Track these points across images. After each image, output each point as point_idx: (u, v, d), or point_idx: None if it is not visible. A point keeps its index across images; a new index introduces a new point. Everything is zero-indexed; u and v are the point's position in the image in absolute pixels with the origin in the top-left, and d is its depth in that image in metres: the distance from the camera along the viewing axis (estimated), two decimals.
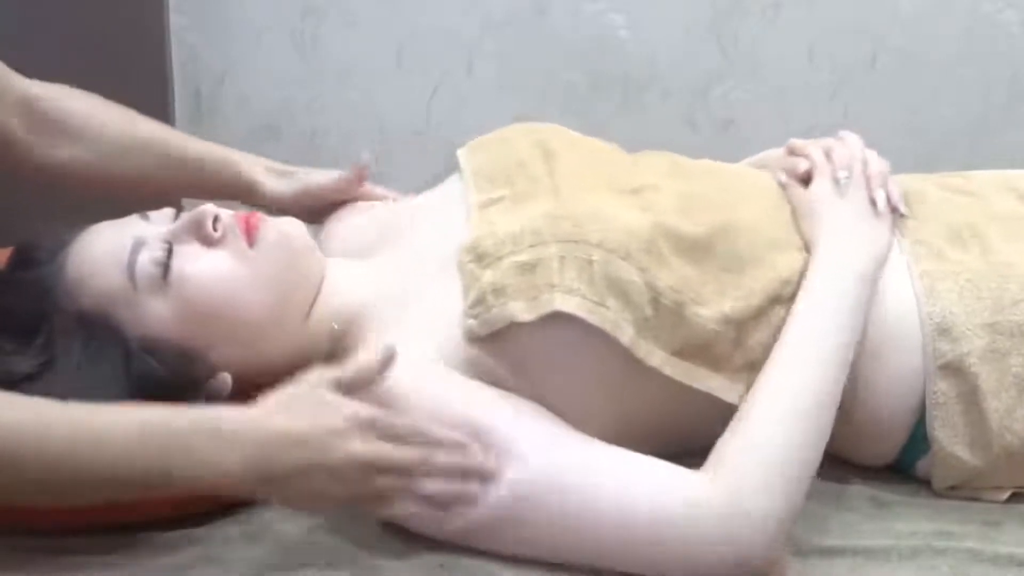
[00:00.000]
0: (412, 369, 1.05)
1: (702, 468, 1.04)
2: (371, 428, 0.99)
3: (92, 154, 1.40)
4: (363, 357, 1.03)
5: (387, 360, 1.03)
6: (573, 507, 1.02)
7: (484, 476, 1.02)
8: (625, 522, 1.01)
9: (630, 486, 1.02)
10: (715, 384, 1.10)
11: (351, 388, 1.01)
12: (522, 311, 1.06)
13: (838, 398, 1.08)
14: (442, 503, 1.02)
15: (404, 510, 1.02)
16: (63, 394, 1.04)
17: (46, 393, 1.04)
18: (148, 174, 1.43)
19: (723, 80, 2.33)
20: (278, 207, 1.44)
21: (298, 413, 0.98)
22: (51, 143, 1.38)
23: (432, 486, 1.01)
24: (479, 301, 1.08)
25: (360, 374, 1.02)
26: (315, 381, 1.01)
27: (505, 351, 1.08)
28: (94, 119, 1.41)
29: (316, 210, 1.45)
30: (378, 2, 2.35)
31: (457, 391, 1.06)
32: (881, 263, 1.16)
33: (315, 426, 0.97)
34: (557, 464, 1.03)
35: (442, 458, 1.01)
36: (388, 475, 0.99)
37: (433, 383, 1.06)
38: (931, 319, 1.13)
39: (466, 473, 1.01)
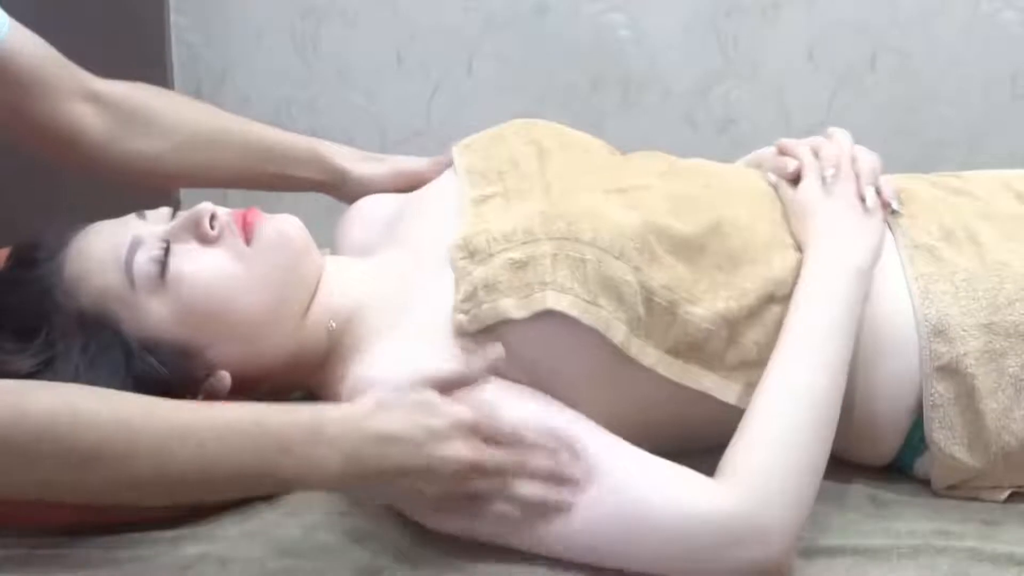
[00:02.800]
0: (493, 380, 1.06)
1: (716, 475, 1.04)
2: (472, 431, 0.99)
3: (171, 146, 1.38)
4: (467, 359, 1.04)
5: (492, 364, 1.04)
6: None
7: (574, 483, 1.02)
8: (644, 527, 1.01)
9: (651, 491, 1.02)
10: (709, 383, 1.10)
11: (450, 389, 1.02)
12: (514, 308, 1.06)
13: (841, 396, 1.08)
14: (534, 509, 1.02)
15: (500, 514, 1.02)
16: None
17: None
18: (231, 166, 1.42)
19: (723, 80, 2.33)
20: (371, 192, 1.42)
21: (400, 413, 0.98)
22: (129, 136, 1.36)
23: (526, 490, 1.01)
24: (470, 296, 1.08)
25: (460, 377, 1.03)
26: (415, 380, 1.02)
27: None
28: (173, 112, 1.40)
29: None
30: (378, 2, 2.36)
31: (539, 401, 1.06)
32: (875, 259, 1.16)
33: (418, 426, 0.98)
34: (624, 475, 1.03)
35: (537, 462, 1.01)
36: (486, 477, 1.00)
37: (516, 390, 1.06)
38: (927, 321, 1.13)
39: (558, 479, 1.02)
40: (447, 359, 1.07)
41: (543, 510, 1.02)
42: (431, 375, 1.02)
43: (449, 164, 1.33)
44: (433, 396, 1.00)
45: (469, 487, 1.00)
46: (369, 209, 1.37)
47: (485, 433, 1.00)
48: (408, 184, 1.41)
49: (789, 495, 1.02)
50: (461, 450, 0.98)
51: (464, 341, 1.08)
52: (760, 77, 2.32)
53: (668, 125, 2.34)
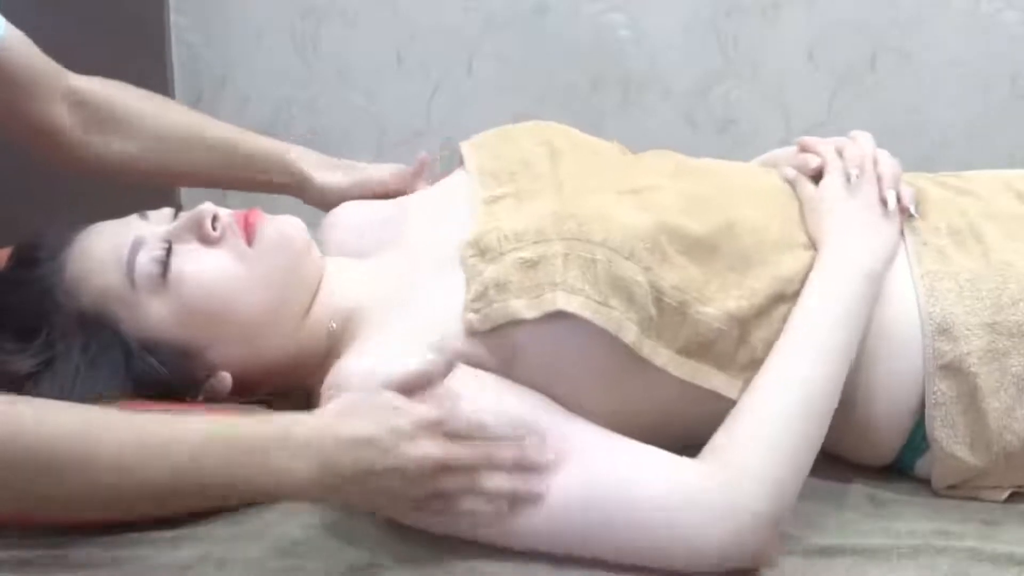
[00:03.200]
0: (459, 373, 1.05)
1: (699, 456, 1.04)
2: (437, 429, 0.99)
3: (142, 147, 1.40)
4: (426, 359, 1.04)
5: (449, 362, 1.03)
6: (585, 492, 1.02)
7: (544, 469, 1.02)
8: (624, 508, 1.01)
9: (632, 473, 1.02)
10: (719, 382, 1.10)
11: (412, 390, 1.02)
12: (524, 308, 1.06)
13: (838, 394, 1.08)
14: (506, 500, 1.02)
15: (470, 508, 1.01)
16: (64, 393, 1.04)
17: (48, 392, 1.04)
18: (199, 167, 1.44)
19: (723, 80, 2.33)
20: (330, 200, 1.44)
21: (364, 416, 0.99)
22: (102, 136, 1.38)
23: (496, 482, 1.01)
24: (481, 296, 1.09)
25: (421, 376, 1.03)
26: (376, 385, 1.02)
27: (505, 346, 1.08)
28: (143, 112, 1.41)
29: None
30: (378, 2, 2.36)
31: (502, 391, 1.06)
32: (888, 262, 1.16)
33: (383, 428, 0.98)
34: (597, 458, 1.03)
35: (505, 453, 1.01)
36: (455, 474, 1.00)
37: (477, 383, 1.06)
38: (931, 319, 1.13)
39: (527, 467, 1.02)
40: (411, 358, 1.07)
41: (514, 501, 1.01)
42: (392, 377, 1.02)
43: (416, 174, 1.36)
44: (395, 397, 1.00)
45: (439, 485, 1.00)
46: (351, 214, 1.37)
47: (449, 429, 1.00)
48: (371, 195, 1.43)
49: (768, 480, 1.01)
50: (428, 448, 0.98)
51: (472, 341, 1.08)
52: (760, 77, 2.32)
53: (668, 125, 2.34)
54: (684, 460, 1.03)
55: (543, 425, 1.04)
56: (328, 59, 2.40)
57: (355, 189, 1.45)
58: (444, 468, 0.99)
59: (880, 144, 1.26)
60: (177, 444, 0.94)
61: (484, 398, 1.04)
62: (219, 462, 0.94)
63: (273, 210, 1.20)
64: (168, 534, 1.11)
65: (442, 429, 0.99)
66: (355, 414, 0.99)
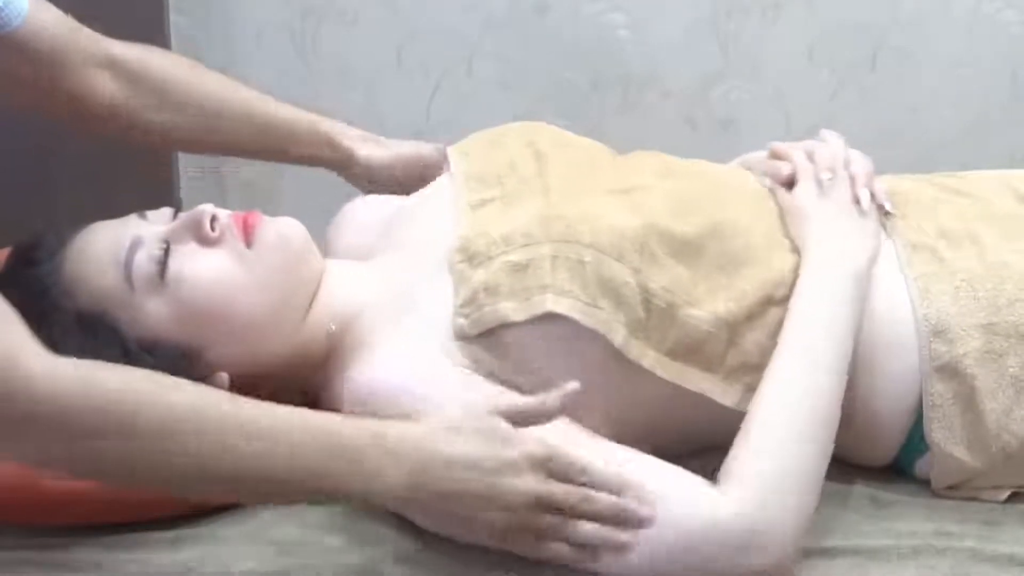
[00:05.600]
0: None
1: (717, 482, 1.03)
2: (543, 466, 0.98)
3: (181, 117, 1.39)
4: (543, 396, 1.02)
5: (568, 399, 1.01)
6: None
7: (641, 523, 1.00)
8: (647, 535, 1.00)
9: (664, 497, 1.01)
10: (707, 386, 1.10)
11: (524, 422, 1.00)
12: (514, 311, 1.06)
13: (841, 397, 1.09)
14: (595, 547, 1.00)
15: (556, 552, 1.00)
16: None
17: None
18: (241, 139, 1.43)
19: (723, 80, 2.33)
20: (376, 175, 1.44)
21: (473, 439, 0.97)
22: (143, 105, 1.37)
23: (587, 529, 1.00)
24: (470, 300, 1.09)
25: (537, 410, 1.01)
26: (488, 408, 1.00)
27: (497, 350, 1.08)
28: (181, 80, 1.40)
29: (403, 181, 1.44)
30: (378, 2, 2.35)
31: (592, 439, 1.05)
32: (872, 260, 1.16)
33: (490, 455, 0.97)
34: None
35: (604, 499, 1.00)
36: (549, 513, 0.99)
37: (575, 426, 1.05)
38: (927, 321, 1.13)
39: (624, 518, 1.00)
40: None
41: (601, 548, 1.00)
42: (506, 405, 1.01)
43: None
44: (507, 426, 0.99)
45: (531, 521, 0.99)
46: (362, 213, 1.38)
47: (556, 469, 0.99)
48: (410, 166, 1.43)
49: (791, 502, 1.02)
50: (530, 483, 0.97)
51: (465, 345, 1.08)
52: (760, 77, 2.32)
53: (668, 125, 2.33)
54: (705, 488, 1.02)
55: (643, 474, 1.02)
56: (328, 59, 2.40)
57: (399, 162, 1.44)
58: (540, 505, 0.98)
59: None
60: (278, 433, 0.93)
61: (586, 442, 1.03)
62: (319, 456, 0.93)
63: (272, 214, 1.20)
64: (168, 534, 1.11)
65: (548, 467, 0.98)
66: (462, 434, 0.97)
